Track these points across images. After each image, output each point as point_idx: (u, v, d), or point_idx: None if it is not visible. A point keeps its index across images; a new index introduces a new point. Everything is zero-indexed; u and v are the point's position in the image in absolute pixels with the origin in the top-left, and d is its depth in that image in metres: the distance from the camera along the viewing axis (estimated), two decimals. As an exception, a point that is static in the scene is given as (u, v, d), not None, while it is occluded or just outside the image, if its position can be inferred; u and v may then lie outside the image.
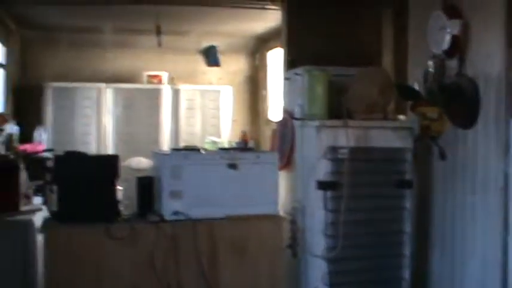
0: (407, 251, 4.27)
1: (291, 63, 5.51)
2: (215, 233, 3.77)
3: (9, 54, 7.92)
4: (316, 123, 4.10)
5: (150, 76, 8.68)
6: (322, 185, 4.06)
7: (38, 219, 3.91)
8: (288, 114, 4.55)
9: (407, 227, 4.27)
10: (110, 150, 8.11)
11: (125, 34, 8.53)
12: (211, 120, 8.58)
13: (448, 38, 3.93)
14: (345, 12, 6.06)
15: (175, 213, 3.68)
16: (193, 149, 4.09)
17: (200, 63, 9.27)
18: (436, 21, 4.05)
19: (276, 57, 8.48)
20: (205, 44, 9.08)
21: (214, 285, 3.76)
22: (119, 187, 3.76)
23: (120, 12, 7.04)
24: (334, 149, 4.06)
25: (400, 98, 4.53)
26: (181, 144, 7.76)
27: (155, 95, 8.40)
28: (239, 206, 3.83)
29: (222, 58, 9.26)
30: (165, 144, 8.32)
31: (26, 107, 8.13)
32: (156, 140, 8.30)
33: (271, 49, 8.83)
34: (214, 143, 7.46)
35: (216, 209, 3.78)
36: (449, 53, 3.98)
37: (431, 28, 4.12)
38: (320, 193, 4.07)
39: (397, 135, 4.22)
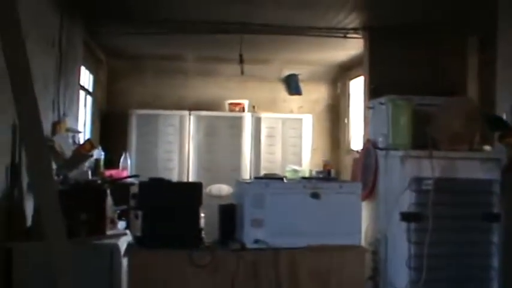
0: (495, 287, 4.12)
1: (373, 91, 5.47)
2: (296, 262, 3.73)
3: (97, 83, 8.19)
4: (401, 153, 4.04)
5: (231, 104, 8.77)
6: (406, 217, 3.98)
7: (122, 243, 3.98)
8: (371, 143, 4.50)
9: (495, 262, 4.12)
10: (191, 176, 8.21)
11: (208, 62, 8.69)
12: (292, 149, 8.57)
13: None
14: (428, 40, 5.99)
15: (257, 241, 3.67)
16: (275, 178, 4.08)
17: (281, 91, 9.32)
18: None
19: (357, 86, 8.42)
20: (287, 72, 9.13)
21: (295, 314, 3.72)
22: (201, 214, 3.79)
23: (204, 41, 7.17)
24: (418, 180, 3.99)
25: (488, 129, 4.40)
26: (262, 172, 7.77)
27: (237, 122, 8.47)
28: (321, 236, 3.77)
29: (303, 86, 9.28)
30: (246, 171, 8.36)
31: (112, 133, 8.37)
32: (237, 168, 8.35)
33: (353, 77, 8.79)
34: (295, 171, 7.43)
35: (297, 239, 3.75)
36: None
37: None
38: (404, 225, 3.99)
39: (484, 166, 4.11)
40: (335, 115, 9.43)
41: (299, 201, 3.75)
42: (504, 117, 4.19)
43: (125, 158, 6.97)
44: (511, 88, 4.17)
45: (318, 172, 7.42)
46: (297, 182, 4.00)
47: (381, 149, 4.31)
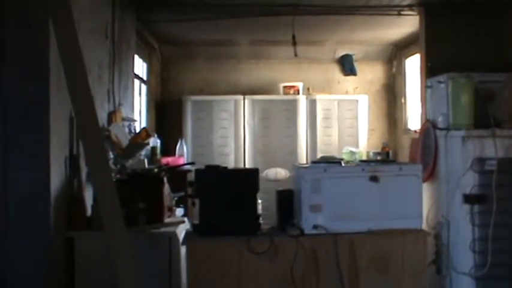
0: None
1: (429, 70, 5.34)
2: (356, 247, 3.67)
3: (151, 71, 8.24)
4: (462, 133, 3.92)
5: (286, 87, 8.70)
6: (469, 199, 3.87)
7: (180, 231, 3.99)
8: (431, 123, 4.38)
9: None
10: (247, 161, 8.20)
11: (260, 46, 8.64)
12: (348, 130, 8.45)
13: None
14: (486, 15, 5.81)
15: (315, 227, 3.63)
16: (333, 162, 4.02)
17: (336, 72, 9.20)
18: None
19: (413, 64, 8.24)
20: (341, 52, 9.00)
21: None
22: (258, 200, 3.76)
23: (256, 24, 7.12)
24: (481, 161, 3.87)
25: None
26: (319, 155, 7.70)
27: (291, 105, 8.40)
28: (381, 220, 3.71)
29: (358, 66, 9.14)
30: (302, 154, 8.30)
31: (167, 121, 8.42)
32: (293, 151, 8.29)
33: (408, 56, 8.61)
34: (352, 153, 7.34)
35: (357, 223, 3.69)
36: None
37: None
38: (466, 207, 3.89)
39: (551, 145, 3.95)
40: (391, 95, 9.26)
41: (358, 185, 3.69)
42: None
43: (181, 145, 7.01)
44: None
45: (375, 153, 7.34)
46: (355, 166, 3.93)
47: (441, 129, 4.19)
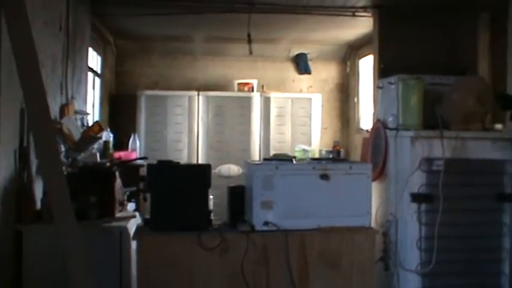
0: (506, 268, 4.09)
1: (382, 70, 5.42)
2: (306, 244, 3.72)
3: (105, 64, 8.17)
4: (411, 133, 4.00)
5: (240, 84, 8.74)
6: (417, 198, 3.95)
7: (132, 225, 3.99)
8: (381, 123, 4.46)
9: (507, 243, 4.09)
10: (200, 157, 8.21)
11: (216, 42, 8.64)
12: (302, 128, 8.53)
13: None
14: (438, 18, 5.92)
15: (266, 223, 3.66)
16: (285, 159, 4.06)
17: (290, 71, 9.27)
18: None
19: (367, 65, 8.36)
20: (296, 51, 9.07)
21: (306, 295, 3.72)
22: (210, 196, 3.78)
23: (212, 21, 7.12)
24: (429, 161, 3.95)
25: (499, 108, 4.35)
26: (272, 152, 7.75)
27: (246, 102, 8.44)
28: (331, 218, 3.76)
29: (312, 65, 9.22)
30: (256, 151, 8.34)
31: (120, 115, 8.37)
32: (246, 148, 8.33)
33: (362, 56, 8.73)
34: (304, 151, 7.41)
35: (307, 220, 3.74)
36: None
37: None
38: (414, 206, 3.97)
39: (496, 146, 4.07)
40: (345, 94, 9.38)
41: (308, 183, 3.73)
42: (516, 95, 4.14)
43: (134, 139, 6.98)
44: (523, 65, 4.11)
45: (327, 152, 7.41)
46: (306, 164, 3.97)
47: (391, 129, 4.27)
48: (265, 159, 4.33)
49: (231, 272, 3.62)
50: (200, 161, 8.04)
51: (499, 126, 4.41)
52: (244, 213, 3.82)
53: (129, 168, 5.05)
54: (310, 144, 8.18)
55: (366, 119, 8.50)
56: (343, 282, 3.78)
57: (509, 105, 4.14)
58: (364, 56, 8.57)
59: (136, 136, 7.17)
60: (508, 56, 4.57)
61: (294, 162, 4.00)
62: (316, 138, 8.53)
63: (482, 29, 5.98)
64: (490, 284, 4.10)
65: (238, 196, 3.83)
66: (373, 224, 4.04)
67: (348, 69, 9.26)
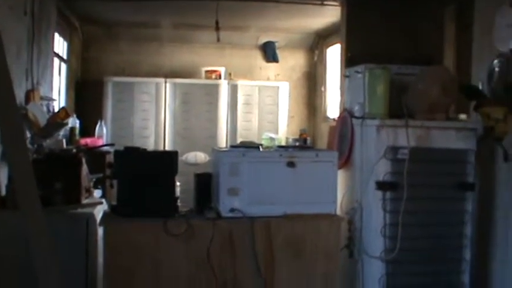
0: (467, 255, 4.17)
1: (349, 59, 5.46)
2: (272, 231, 3.75)
3: (71, 50, 8.08)
4: (376, 122, 4.04)
5: (208, 71, 8.73)
6: (381, 186, 4.00)
7: (98, 212, 3.97)
8: (348, 112, 4.50)
9: (469, 231, 4.16)
10: (167, 144, 8.19)
11: (183, 29, 8.61)
12: (269, 116, 8.57)
13: (515, 36, 3.82)
14: (406, 9, 5.97)
15: (232, 210, 3.68)
16: (252, 146, 4.08)
17: (258, 58, 9.28)
18: (503, 18, 3.94)
19: (334, 54, 8.41)
20: (264, 39, 9.07)
21: (270, 282, 3.75)
22: (177, 183, 3.78)
23: (180, 7, 7.10)
24: (394, 149, 3.99)
25: (463, 98, 4.42)
26: (239, 140, 7.77)
27: (213, 90, 8.44)
28: (297, 205, 3.80)
29: (280, 54, 9.24)
30: (223, 139, 8.35)
31: (87, 102, 8.30)
32: (213, 135, 8.34)
33: (330, 45, 8.77)
34: (271, 139, 7.43)
35: (273, 207, 3.77)
36: (516, 51, 3.87)
37: (498, 25, 4.01)
38: (379, 194, 4.01)
39: (460, 136, 4.12)
40: (312, 83, 9.42)
41: (275, 170, 3.76)
42: (480, 86, 4.20)
43: (100, 126, 6.93)
44: (487, 57, 4.17)
45: (294, 140, 7.45)
46: (273, 151, 4.00)
47: (357, 118, 4.31)
48: (232, 147, 4.35)
49: (197, 258, 3.63)
50: (167, 148, 8.03)
51: (463, 116, 4.47)
52: (210, 200, 3.83)
53: (95, 155, 5.01)
54: (277, 132, 8.22)
55: (332, 107, 8.56)
56: (309, 269, 3.83)
57: (473, 96, 4.20)
58: (332, 45, 8.61)
59: (102, 123, 7.12)
60: (473, 47, 4.63)
61: (261, 149, 4.02)
62: (283, 126, 8.58)
63: (448, 20, 6.05)
64: (452, 270, 4.17)
65: (205, 183, 3.85)
66: (338, 212, 4.09)
67: (316, 58, 9.31)
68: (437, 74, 4.18)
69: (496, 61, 4.02)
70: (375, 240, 4.05)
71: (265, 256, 3.75)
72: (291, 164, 3.76)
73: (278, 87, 8.65)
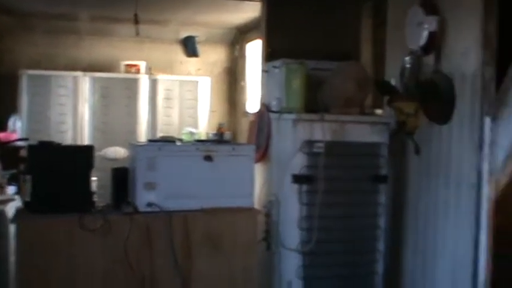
0: (381, 246, 4.29)
1: (269, 55, 5.49)
2: (189, 225, 3.75)
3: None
4: (293, 116, 4.09)
5: (127, 65, 8.62)
6: (298, 179, 4.06)
7: (10, 208, 3.87)
8: (265, 106, 4.54)
9: (382, 222, 4.28)
10: (86, 139, 8.05)
11: (102, 22, 8.46)
12: (189, 111, 8.54)
13: (425, 34, 3.94)
14: (325, 5, 6.04)
15: (150, 204, 3.67)
16: (168, 141, 4.07)
17: (179, 53, 9.23)
18: (414, 17, 4.05)
19: (255, 49, 8.45)
20: (184, 34, 9.03)
21: (188, 276, 3.76)
22: (93, 178, 3.73)
23: (98, 0, 6.97)
24: (310, 143, 4.06)
25: (378, 93, 4.53)
26: (159, 135, 7.72)
27: (133, 84, 8.34)
28: (214, 198, 3.82)
29: (201, 48, 9.22)
30: (142, 134, 8.27)
31: (0, 95, 8.04)
32: (133, 130, 8.25)
33: (250, 40, 8.81)
34: (191, 134, 7.43)
35: (190, 201, 3.77)
36: (426, 49, 3.98)
37: (409, 23, 4.12)
38: (295, 187, 4.07)
39: (373, 129, 4.23)
40: (233, 78, 9.45)
41: (192, 164, 3.77)
42: (393, 82, 4.32)
43: (14, 120, 6.75)
44: (400, 52, 4.29)
45: (214, 135, 7.47)
46: (190, 145, 4.01)
47: (274, 112, 4.36)
48: (149, 141, 4.33)
49: (114, 254, 3.60)
50: (85, 143, 7.89)
51: (379, 111, 4.59)
52: (127, 195, 3.80)
53: (9, 150, 4.89)
54: (197, 127, 8.20)
55: (253, 102, 8.61)
56: (227, 263, 3.85)
57: (386, 91, 4.31)
58: (252, 40, 8.65)
59: (17, 117, 6.93)
60: (387, 44, 4.75)
61: (178, 143, 4.01)
62: (204, 122, 8.57)
63: (366, 17, 6.16)
64: (366, 260, 4.28)
65: (121, 178, 3.81)
66: (256, 205, 4.13)
67: (236, 53, 9.33)
68: (351, 70, 4.27)
69: (407, 58, 4.13)
70: (291, 233, 4.11)
71: (183, 250, 3.75)
72: (208, 158, 3.78)
73: (198, 82, 8.63)
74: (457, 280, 3.79)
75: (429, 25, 3.91)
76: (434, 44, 3.95)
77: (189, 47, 9.13)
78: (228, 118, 9.30)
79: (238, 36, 9.19)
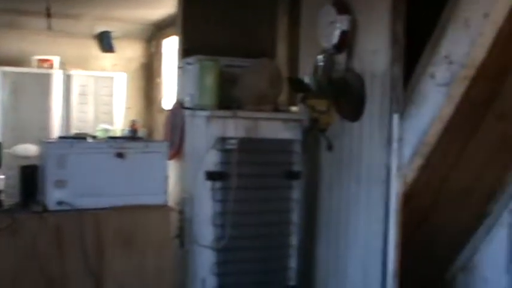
0: (294, 241, 4.35)
1: (185, 52, 5.47)
2: (101, 223, 3.70)
3: None
4: (206, 113, 4.10)
5: (40, 60, 8.38)
6: (211, 176, 4.06)
7: None
8: (179, 103, 4.53)
9: (295, 218, 4.34)
10: (-4, 136, 7.79)
11: (12, 14, 8.17)
12: (104, 108, 8.40)
13: (336, 33, 4.01)
14: (242, 2, 6.06)
15: (60, 203, 3.60)
16: (80, 138, 4.00)
17: (94, 48, 9.05)
18: (326, 16, 4.12)
19: (172, 45, 8.40)
20: (100, 29, 8.87)
21: (100, 276, 3.71)
22: (0, 176, 3.62)
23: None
24: (223, 140, 4.07)
25: (292, 91, 4.59)
26: (73, 132, 7.56)
27: (45, 80, 8.13)
28: (127, 196, 3.78)
29: (117, 44, 9.08)
30: (56, 131, 8.07)
31: None
32: (46, 127, 8.04)
33: (167, 37, 8.74)
34: (106, 130, 7.31)
35: (102, 199, 3.72)
36: (338, 47, 4.06)
37: (322, 22, 4.19)
38: (208, 183, 4.07)
39: (286, 126, 4.28)
40: (149, 74, 9.36)
41: (104, 161, 3.72)
42: (306, 79, 4.38)
43: None
44: (313, 51, 4.35)
45: (130, 131, 7.38)
46: (102, 142, 3.97)
47: (188, 109, 4.35)
48: (60, 138, 4.24)
49: (23, 253, 3.52)
50: (-5, 140, 7.64)
51: (294, 108, 4.65)
52: (37, 193, 3.71)
53: None
54: (113, 124, 8.09)
55: (169, 99, 8.56)
56: (140, 261, 3.83)
57: (299, 89, 4.36)
58: (169, 36, 8.59)
59: None
60: (301, 42, 4.82)
61: (89, 140, 3.95)
62: (120, 118, 8.46)
63: (282, 14, 6.21)
64: (280, 255, 4.33)
65: (30, 175, 3.72)
66: (170, 202, 4.11)
67: (153, 49, 9.25)
68: (264, 67, 4.31)
69: (320, 56, 4.20)
70: (205, 230, 4.12)
71: (95, 249, 3.71)
72: (120, 155, 3.73)
73: (113, 78, 8.51)
74: (368, 271, 3.89)
75: (341, 24, 3.99)
76: (346, 43, 4.03)
77: (105, 42, 8.96)
78: (144, 115, 9.20)
79: (155, 32, 9.10)
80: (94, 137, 4.33)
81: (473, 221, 4.32)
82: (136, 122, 8.14)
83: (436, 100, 3.65)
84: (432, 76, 3.67)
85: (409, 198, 3.87)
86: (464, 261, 4.41)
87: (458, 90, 3.58)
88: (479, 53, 3.46)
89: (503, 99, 3.87)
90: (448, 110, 3.65)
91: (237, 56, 4.61)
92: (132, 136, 6.21)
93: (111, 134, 6.90)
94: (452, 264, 4.49)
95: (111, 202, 3.73)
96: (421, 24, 3.75)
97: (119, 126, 8.14)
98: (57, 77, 8.17)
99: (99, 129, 7.36)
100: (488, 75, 3.64)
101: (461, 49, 3.49)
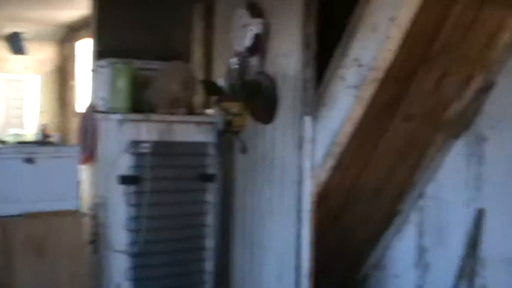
0: (210, 243, 4.35)
1: (99, 54, 5.38)
2: (9, 231, 3.61)
3: None
4: (119, 116, 4.04)
5: None
6: (124, 180, 4.01)
7: None
8: (92, 107, 4.45)
9: (210, 221, 4.34)
10: None
11: None
12: (16, 111, 8.18)
13: (250, 36, 4.04)
14: (158, 5, 6.02)
15: (-36, 210, 3.48)
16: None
17: (3, 50, 8.78)
18: (240, 19, 4.14)
19: (86, 48, 8.26)
20: (9, 30, 8.61)
21: (9, 286, 3.59)
22: None
23: None
24: (136, 143, 4.02)
25: (205, 93, 4.59)
26: (-18, 137, 7.32)
27: (-48, 82, 7.86)
28: (37, 202, 3.71)
29: (29, 46, 8.84)
30: (-37, 136, 7.80)
31: None
32: (-49, 133, 7.76)
33: (81, 39, 8.59)
34: (17, 135, 7.11)
35: (11, 206, 3.63)
36: (251, 50, 4.09)
37: (235, 25, 4.21)
38: (122, 188, 4.02)
39: (200, 129, 4.27)
40: (63, 77, 9.17)
41: (12, 166, 3.64)
42: (220, 82, 4.39)
43: None
44: (227, 53, 4.36)
45: (40, 136, 7.20)
46: (9, 147, 3.86)
47: (101, 112, 4.28)
48: (-35, 143, 4.10)
49: None
50: None
51: (210, 111, 4.64)
52: None
53: None
54: (24, 128, 7.88)
55: (82, 102, 8.41)
56: (51, 269, 3.75)
57: (213, 91, 4.37)
58: (83, 38, 8.44)
59: None
60: (215, 45, 4.83)
61: (-3, 146, 3.85)
62: (33, 122, 8.25)
63: (197, 18, 6.21)
64: (196, 259, 4.32)
65: None
66: (84, 208, 4.03)
67: (66, 52, 9.06)
68: (177, 70, 4.29)
69: (234, 59, 4.21)
70: (119, 235, 4.06)
71: (3, 259, 3.61)
72: (29, 160, 3.65)
73: (25, 80, 8.29)
74: (282, 273, 3.93)
75: (254, 27, 4.02)
76: (259, 46, 4.06)
77: (15, 44, 8.71)
78: (59, 118, 9.01)
79: (68, 34, 8.92)
80: (2, 142, 4.21)
81: (384, 220, 4.45)
82: (48, 126, 7.93)
83: (346, 102, 3.74)
84: (342, 79, 3.76)
85: (321, 199, 3.94)
86: (376, 259, 4.54)
87: (367, 92, 3.68)
88: (387, 56, 3.57)
89: (410, 101, 4.00)
90: (358, 112, 3.75)
91: (153, 59, 4.57)
92: (43, 141, 6.06)
93: (22, 139, 6.71)
94: (365, 262, 4.60)
95: (21, 209, 3.64)
96: (334, 27, 3.82)
97: (31, 131, 7.93)
98: (-36, 80, 7.91)
99: (9, 134, 7.16)
100: (396, 77, 3.76)
101: (369, 52, 3.59)
